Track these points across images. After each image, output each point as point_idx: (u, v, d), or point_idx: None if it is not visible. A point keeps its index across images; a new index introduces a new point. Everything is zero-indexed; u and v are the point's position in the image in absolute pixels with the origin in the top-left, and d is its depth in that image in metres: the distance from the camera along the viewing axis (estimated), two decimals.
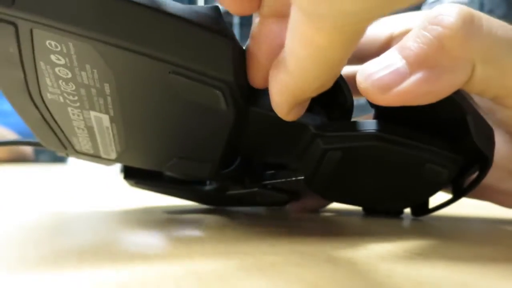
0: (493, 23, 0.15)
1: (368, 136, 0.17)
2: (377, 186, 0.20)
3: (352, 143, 0.17)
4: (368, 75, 0.15)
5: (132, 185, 0.23)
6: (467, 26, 0.14)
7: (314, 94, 0.14)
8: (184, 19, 0.13)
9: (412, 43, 0.15)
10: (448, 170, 0.18)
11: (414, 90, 0.14)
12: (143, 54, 0.14)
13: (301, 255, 0.14)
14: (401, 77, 0.14)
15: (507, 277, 0.12)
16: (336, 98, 0.17)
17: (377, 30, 0.20)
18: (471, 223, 0.23)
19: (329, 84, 0.14)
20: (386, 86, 0.14)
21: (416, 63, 0.14)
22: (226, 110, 0.16)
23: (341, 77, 0.17)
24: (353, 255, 0.14)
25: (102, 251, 0.14)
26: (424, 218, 0.23)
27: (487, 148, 0.18)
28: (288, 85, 0.14)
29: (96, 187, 0.40)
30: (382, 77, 0.15)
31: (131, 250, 0.14)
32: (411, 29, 0.19)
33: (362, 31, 0.12)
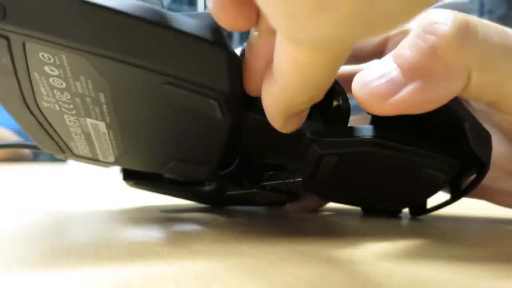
0: (489, 29, 0.15)
1: (364, 142, 0.17)
2: (374, 188, 0.20)
3: (348, 149, 0.17)
4: (363, 84, 0.15)
5: (131, 185, 0.23)
6: (462, 34, 0.14)
7: (306, 106, 0.14)
8: (178, 30, 0.13)
9: (406, 52, 0.15)
10: (444, 174, 0.18)
11: (410, 99, 0.14)
12: (137, 65, 0.14)
13: (300, 255, 0.14)
14: (396, 86, 0.14)
15: (507, 276, 0.12)
16: (332, 102, 0.17)
17: None
18: (470, 222, 0.23)
19: (319, 96, 0.14)
20: (382, 96, 0.14)
21: (410, 72, 0.14)
22: (222, 119, 0.16)
23: (336, 82, 0.17)
24: (352, 255, 0.14)
25: (101, 250, 0.14)
26: (423, 218, 0.23)
27: (484, 154, 0.18)
28: (279, 98, 0.14)
29: (96, 186, 0.40)
30: (377, 86, 0.14)
31: (131, 249, 0.14)
32: (407, 29, 0.19)
33: (345, 50, 0.12)
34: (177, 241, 0.16)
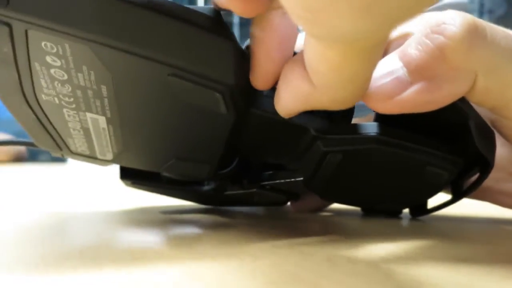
0: (497, 33, 0.15)
1: (368, 139, 0.17)
2: (377, 187, 0.20)
3: (352, 146, 0.17)
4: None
5: (128, 185, 0.23)
6: (471, 36, 0.14)
7: (333, 109, 0.14)
8: (184, 20, 0.13)
9: (413, 51, 0.14)
10: (448, 173, 0.18)
11: (414, 99, 0.14)
12: (141, 56, 0.13)
13: (300, 255, 0.14)
14: (401, 85, 0.14)
15: (507, 277, 0.12)
16: None
17: None
18: (471, 223, 0.23)
19: (354, 101, 0.14)
20: (387, 94, 0.14)
21: (416, 72, 0.14)
22: (226, 113, 0.16)
23: None
24: (353, 255, 0.14)
25: (102, 251, 0.14)
26: (424, 218, 0.23)
27: (488, 152, 0.18)
28: (310, 96, 0.14)
29: (96, 187, 0.40)
30: (382, 85, 0.14)
31: (132, 250, 0.14)
32: (408, 33, 0.19)
33: (378, 46, 0.11)
34: (177, 242, 0.16)
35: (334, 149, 0.17)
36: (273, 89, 0.16)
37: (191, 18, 0.13)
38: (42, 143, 0.19)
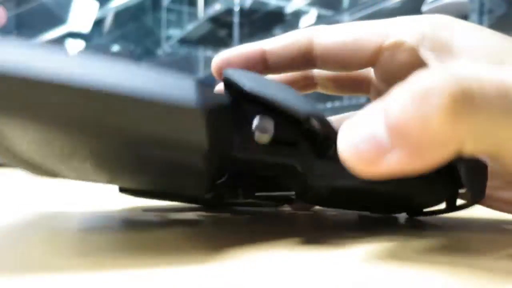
0: (488, 93, 0.14)
1: (354, 177, 0.17)
2: (369, 203, 0.21)
3: (339, 183, 0.18)
4: (350, 145, 0.14)
5: (129, 195, 0.23)
6: (457, 107, 0.13)
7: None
8: (146, 95, 0.12)
9: (397, 114, 0.14)
10: (437, 200, 0.19)
11: (396, 168, 0.14)
12: (111, 134, 0.13)
13: (299, 255, 0.14)
14: (383, 151, 0.14)
15: (506, 277, 0.12)
16: (318, 134, 0.18)
17: (366, 37, 0.20)
18: (470, 222, 0.23)
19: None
20: (368, 161, 0.14)
21: (398, 138, 0.14)
22: (205, 168, 0.16)
23: (327, 124, 0.17)
24: (351, 255, 0.14)
25: (100, 250, 0.14)
26: (422, 218, 0.23)
27: (477, 190, 0.18)
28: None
29: (92, 187, 0.40)
30: (363, 151, 0.14)
31: (130, 249, 0.14)
32: (402, 41, 0.19)
33: None
34: (174, 241, 0.16)
35: (320, 184, 0.18)
36: (247, 134, 0.16)
37: (156, 91, 0.12)
38: (37, 174, 0.20)
